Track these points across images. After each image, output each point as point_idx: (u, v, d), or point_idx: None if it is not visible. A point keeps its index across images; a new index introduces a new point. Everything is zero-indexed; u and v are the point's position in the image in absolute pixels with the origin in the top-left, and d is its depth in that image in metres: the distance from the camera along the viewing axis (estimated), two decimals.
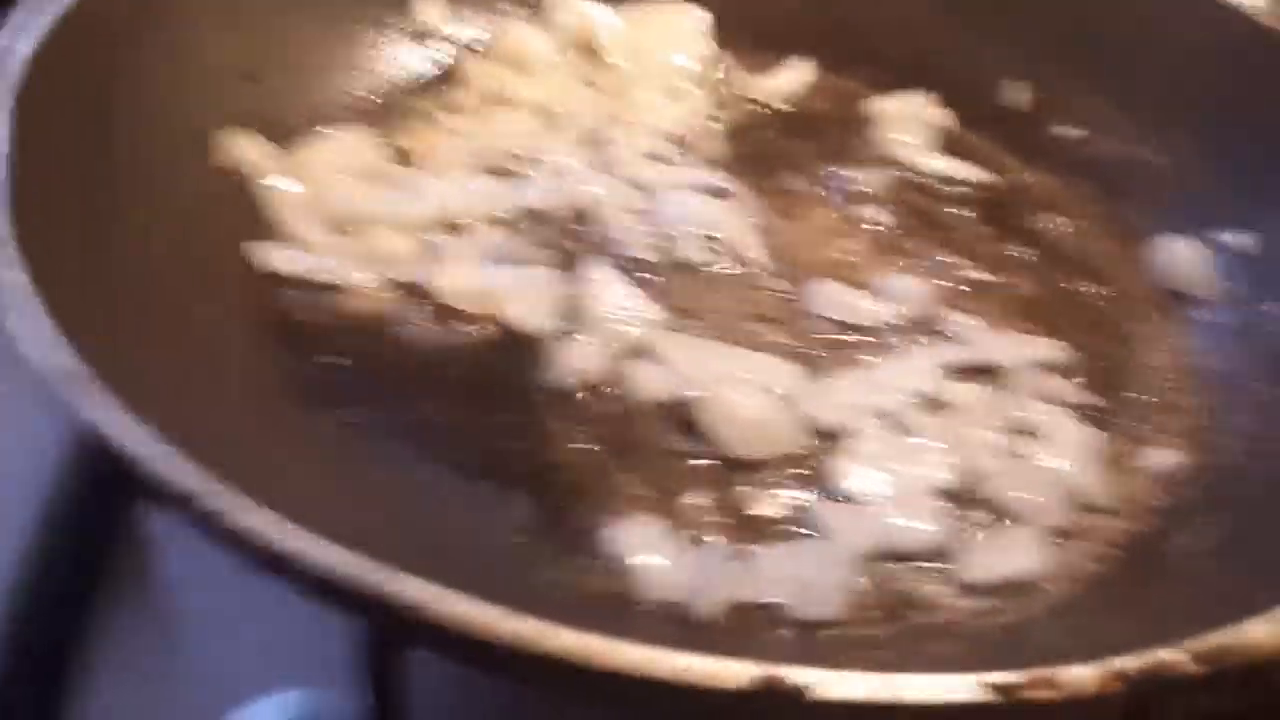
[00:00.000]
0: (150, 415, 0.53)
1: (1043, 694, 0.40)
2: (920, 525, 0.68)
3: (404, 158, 0.93)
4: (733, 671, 0.42)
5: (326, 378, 0.75)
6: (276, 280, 0.81)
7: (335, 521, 0.60)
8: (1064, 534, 0.69)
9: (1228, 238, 0.87)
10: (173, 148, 0.82)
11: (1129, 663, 0.42)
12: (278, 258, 0.82)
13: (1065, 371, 0.81)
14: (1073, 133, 0.99)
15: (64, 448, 0.77)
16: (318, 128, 0.93)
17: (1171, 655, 0.43)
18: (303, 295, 0.80)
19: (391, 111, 0.97)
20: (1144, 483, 0.73)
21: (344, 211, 0.86)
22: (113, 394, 0.53)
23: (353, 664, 0.68)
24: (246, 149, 0.87)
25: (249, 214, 0.85)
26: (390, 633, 0.53)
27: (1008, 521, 0.69)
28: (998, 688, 0.41)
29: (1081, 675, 0.41)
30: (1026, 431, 0.75)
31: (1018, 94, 1.02)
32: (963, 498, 0.71)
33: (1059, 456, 0.73)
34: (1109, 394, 0.80)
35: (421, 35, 1.02)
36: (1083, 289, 0.88)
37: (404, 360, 0.77)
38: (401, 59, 1.01)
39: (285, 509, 0.55)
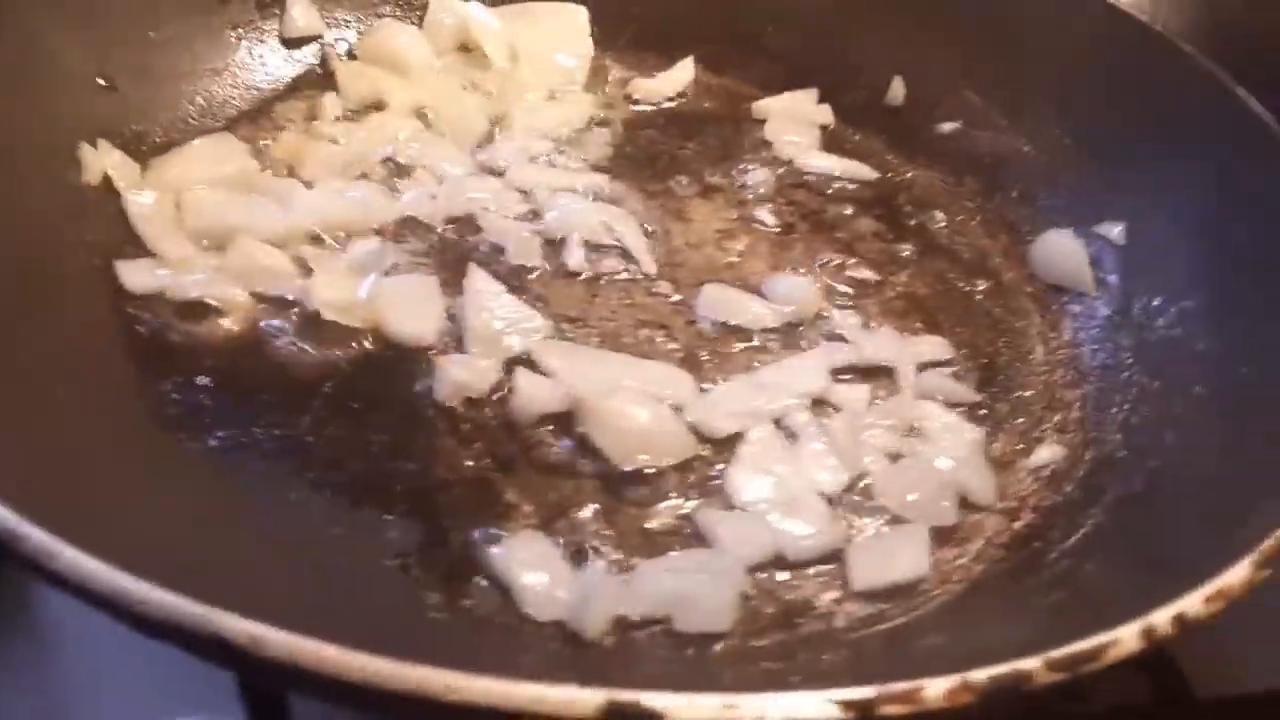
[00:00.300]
0: None
1: (895, 709, 0.40)
2: (808, 531, 0.67)
3: (274, 166, 0.89)
4: (584, 698, 0.41)
5: (195, 400, 0.71)
6: (142, 299, 0.77)
7: (197, 553, 0.58)
8: (949, 535, 0.69)
9: (1101, 229, 0.88)
10: (29, 162, 0.78)
11: (980, 675, 0.42)
12: (142, 276, 0.78)
13: (950, 369, 0.81)
14: (953, 128, 1.00)
15: None
16: (183, 137, 0.89)
17: (1027, 665, 0.43)
18: (170, 314, 0.76)
19: (260, 118, 0.94)
20: (1027, 479, 0.74)
21: (211, 225, 0.82)
22: None
23: (236, 692, 0.65)
24: (107, 161, 0.82)
25: (112, 230, 0.80)
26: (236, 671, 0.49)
27: (894, 524, 0.69)
28: (851, 704, 0.40)
29: (935, 689, 0.41)
30: (913, 431, 0.76)
31: (896, 91, 1.03)
32: (850, 501, 0.71)
33: (944, 455, 0.74)
34: (992, 390, 0.81)
35: (290, 38, 0.98)
36: (964, 285, 0.89)
37: (277, 378, 0.74)
38: (270, 62, 0.97)
39: (139, 542, 0.52)
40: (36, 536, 0.43)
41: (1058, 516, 0.69)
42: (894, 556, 0.66)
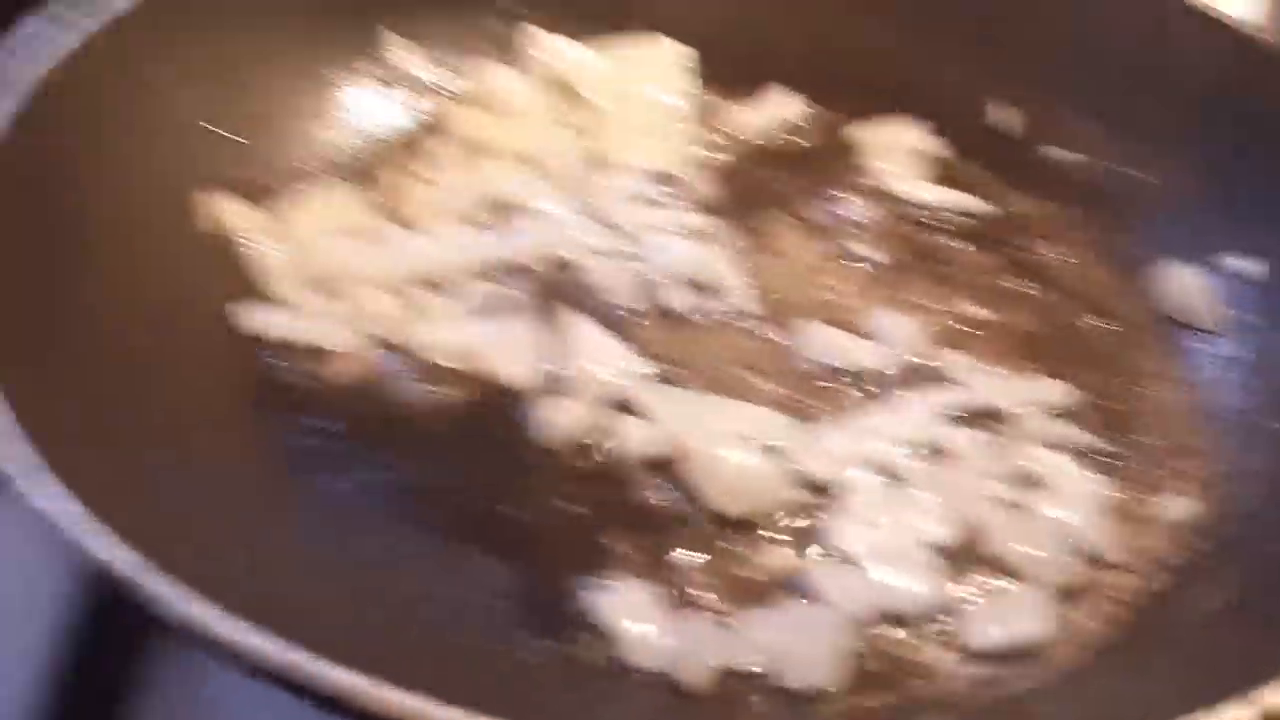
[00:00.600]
0: (115, 499, 0.52)
1: None
2: (917, 586, 0.65)
3: (385, 213, 0.91)
4: None
5: (309, 443, 0.73)
6: (260, 344, 0.79)
7: (309, 597, 0.59)
8: (1070, 593, 0.66)
9: (1233, 263, 0.83)
10: (149, 213, 0.80)
11: None
12: (261, 320, 0.80)
13: (1069, 414, 0.78)
14: (1066, 156, 0.96)
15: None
16: (296, 185, 0.91)
17: None
18: (287, 359, 0.78)
19: (370, 165, 0.95)
20: (1155, 534, 0.70)
21: (326, 271, 0.84)
22: (64, 485, 0.51)
23: None
24: (225, 210, 0.85)
25: (231, 277, 0.83)
26: None
27: (1011, 580, 0.66)
28: None
29: None
30: (1029, 480, 0.72)
31: (1008, 118, 0.99)
32: (963, 554, 0.68)
33: (1064, 507, 0.70)
34: (1116, 437, 0.76)
35: (395, 83, 1.01)
36: (1084, 323, 0.85)
37: (388, 422, 0.75)
38: (377, 109, 0.99)
39: (258, 587, 0.54)
40: (153, 584, 0.44)
41: (1191, 576, 0.66)
42: (1010, 614, 0.63)
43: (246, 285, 0.82)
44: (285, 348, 0.78)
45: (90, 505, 0.49)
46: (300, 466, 0.71)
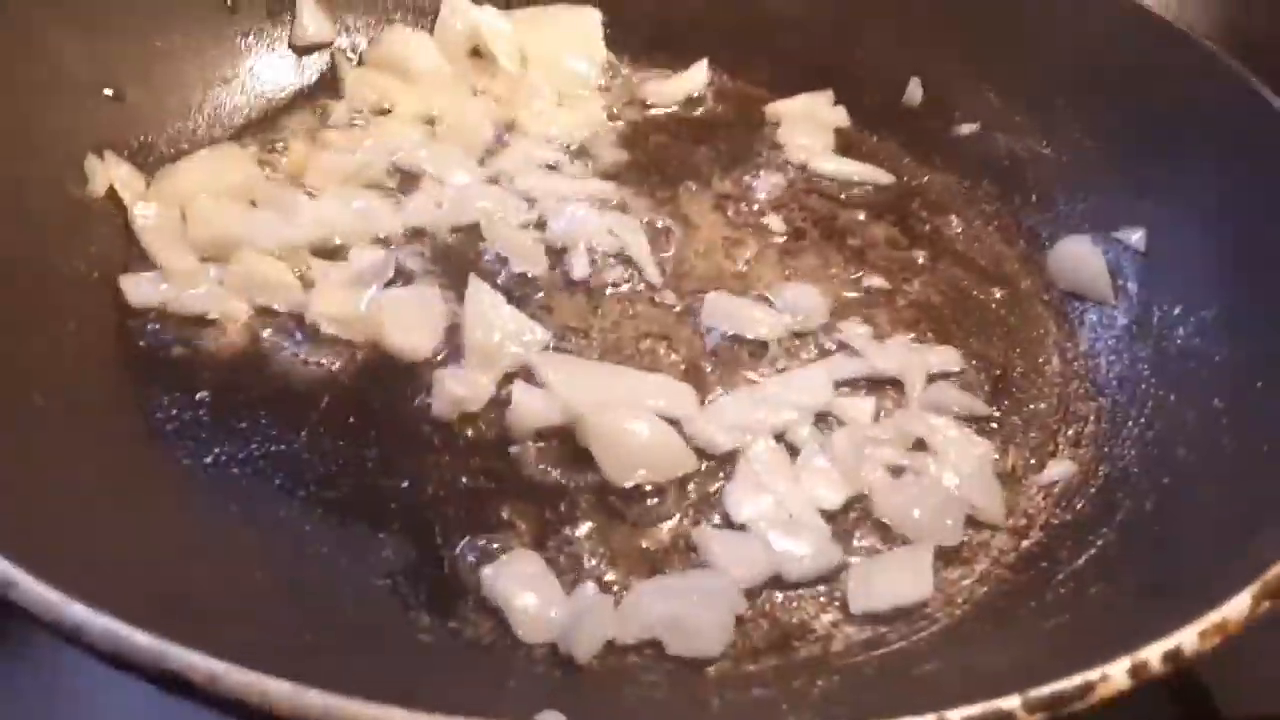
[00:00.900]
0: None
1: None
2: (807, 551, 0.66)
3: (281, 176, 0.89)
4: None
5: (192, 415, 0.71)
6: (144, 313, 0.77)
7: (182, 573, 0.58)
8: (954, 554, 0.67)
9: (1121, 235, 0.86)
10: (34, 173, 0.78)
11: (956, 715, 0.40)
12: (145, 289, 0.78)
13: (960, 381, 0.79)
14: (968, 130, 0.98)
15: None
16: (190, 147, 0.89)
17: (1006, 705, 0.41)
18: (172, 327, 0.76)
19: (268, 127, 0.94)
20: (1037, 496, 0.72)
21: (214, 236, 0.82)
22: None
23: None
24: (113, 173, 0.82)
25: (117, 242, 0.81)
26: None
27: (897, 544, 0.67)
28: None
29: None
30: (920, 446, 0.74)
31: (912, 93, 1.01)
32: (852, 519, 0.69)
33: (952, 471, 0.72)
34: (1004, 403, 0.78)
35: (301, 45, 0.98)
36: (979, 293, 0.87)
37: (275, 393, 0.74)
38: (279, 70, 0.97)
39: (118, 563, 0.53)
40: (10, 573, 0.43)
41: (1066, 536, 0.67)
42: (895, 578, 0.65)
43: (131, 251, 0.80)
44: (169, 317, 0.77)
45: None
46: (180, 440, 0.69)
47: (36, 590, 0.42)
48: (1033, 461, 0.74)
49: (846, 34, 1.03)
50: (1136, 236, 0.84)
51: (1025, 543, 0.68)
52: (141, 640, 0.41)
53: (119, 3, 0.88)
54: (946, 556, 0.67)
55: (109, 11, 0.87)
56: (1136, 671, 0.43)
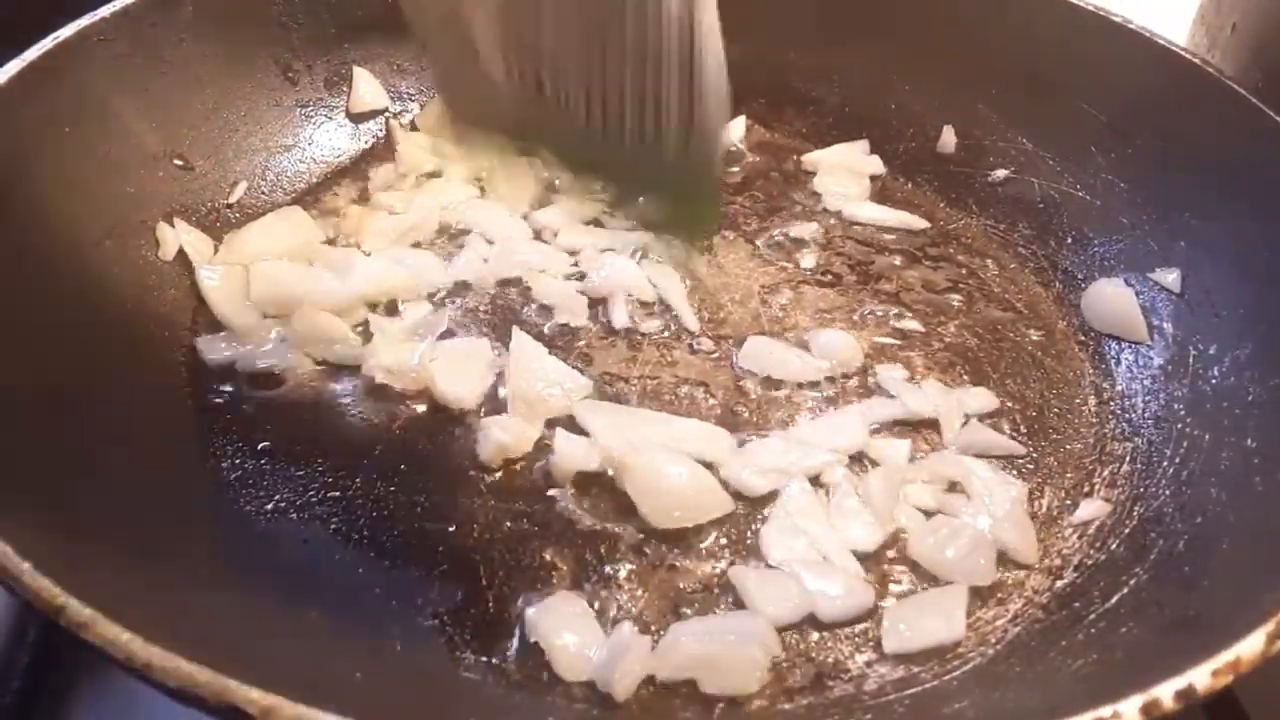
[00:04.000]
0: (46, 531, 0.54)
1: None
2: (840, 592, 0.67)
3: (338, 237, 0.94)
4: None
5: (256, 465, 0.75)
6: (213, 369, 0.81)
7: (239, 617, 0.61)
8: (988, 594, 0.68)
9: (1156, 276, 0.86)
10: (111, 240, 0.83)
11: None
12: (217, 348, 0.82)
13: (996, 421, 0.80)
14: (1000, 174, 1.00)
15: None
16: (255, 212, 0.94)
17: None
18: (239, 382, 0.81)
19: (327, 191, 0.99)
20: (1071, 536, 0.72)
21: (276, 295, 0.86)
22: None
23: None
24: (183, 238, 0.88)
25: (188, 304, 0.86)
26: None
27: (931, 584, 0.69)
28: None
29: None
30: (954, 488, 0.75)
31: (946, 138, 1.03)
32: (886, 559, 0.70)
33: (985, 513, 0.73)
34: (1041, 443, 0.79)
35: (357, 113, 1.04)
36: (1014, 335, 0.88)
37: (334, 442, 0.77)
38: (337, 137, 1.02)
39: (184, 608, 0.56)
40: (74, 608, 0.47)
41: (1100, 575, 0.68)
42: (929, 619, 0.66)
43: (199, 311, 0.85)
44: (237, 373, 0.81)
45: (16, 537, 0.51)
46: (242, 489, 0.73)
47: (108, 629, 0.46)
48: (1068, 502, 0.75)
49: (881, 84, 1.05)
50: (1172, 277, 0.85)
51: (1059, 583, 0.69)
52: (203, 676, 0.45)
53: (187, 79, 0.94)
54: (981, 595, 0.68)
55: (178, 88, 0.93)
56: (1148, 709, 0.44)
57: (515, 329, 0.83)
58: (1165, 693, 0.45)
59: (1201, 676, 0.45)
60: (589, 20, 0.61)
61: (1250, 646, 0.46)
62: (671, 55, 0.60)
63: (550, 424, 0.78)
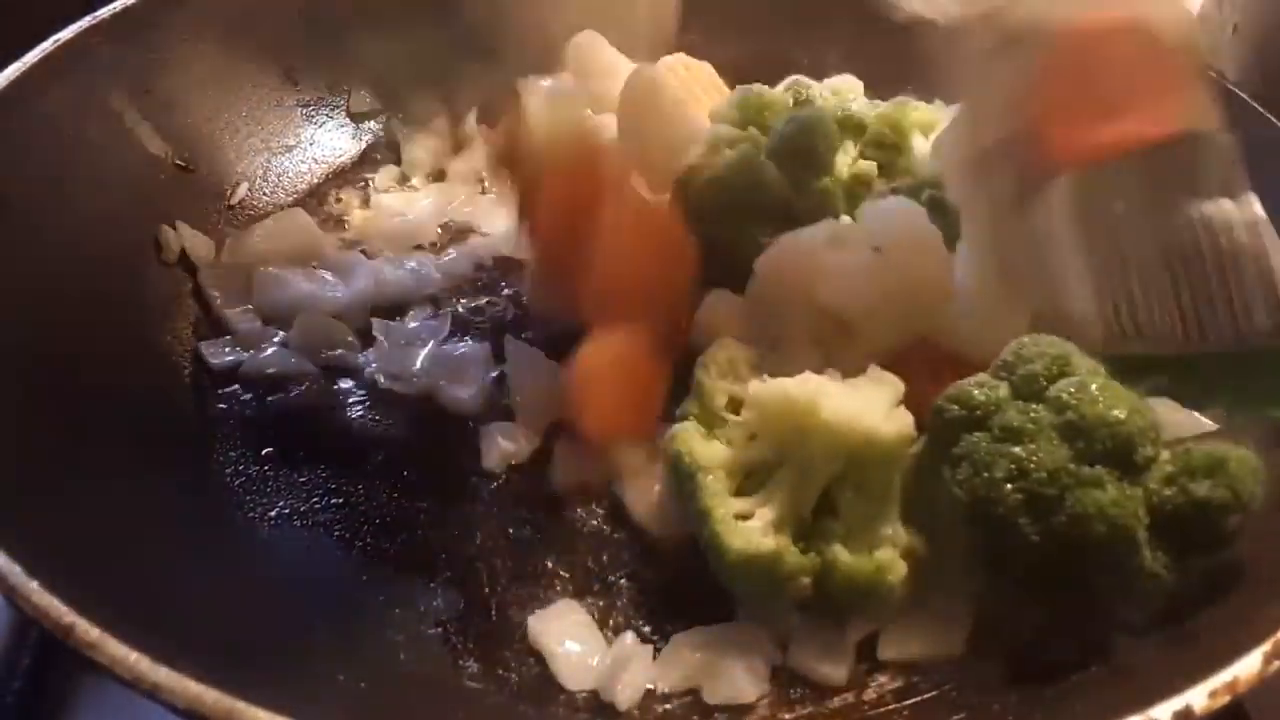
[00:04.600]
0: (50, 544, 0.55)
1: None
2: None
3: (338, 238, 0.94)
4: None
5: (258, 471, 0.75)
6: (218, 374, 0.82)
7: (245, 622, 0.61)
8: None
9: None
10: (111, 245, 0.83)
11: None
12: (221, 353, 0.83)
13: None
14: None
15: None
16: (257, 213, 0.94)
17: None
18: (242, 386, 0.81)
19: (326, 191, 0.99)
20: None
21: (278, 299, 0.87)
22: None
23: None
24: (186, 242, 0.88)
25: (191, 306, 0.86)
26: None
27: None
28: None
29: None
30: None
31: None
32: None
33: None
34: None
35: (358, 113, 1.04)
36: None
37: (335, 448, 0.78)
38: (338, 138, 1.02)
39: (182, 615, 0.57)
40: (82, 627, 0.47)
41: None
42: (929, 629, 0.65)
43: (202, 315, 0.86)
44: (240, 377, 0.81)
45: (21, 552, 0.51)
46: (245, 495, 0.74)
47: (116, 650, 0.46)
48: None
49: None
50: None
51: None
52: (210, 697, 0.45)
53: (188, 80, 0.94)
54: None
55: (179, 89, 0.93)
56: None
57: (508, 336, 0.83)
58: (1163, 713, 0.45)
59: (1199, 697, 0.46)
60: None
61: (1248, 667, 0.47)
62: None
63: (553, 430, 0.78)
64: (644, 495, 0.73)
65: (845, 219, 0.81)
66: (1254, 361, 0.67)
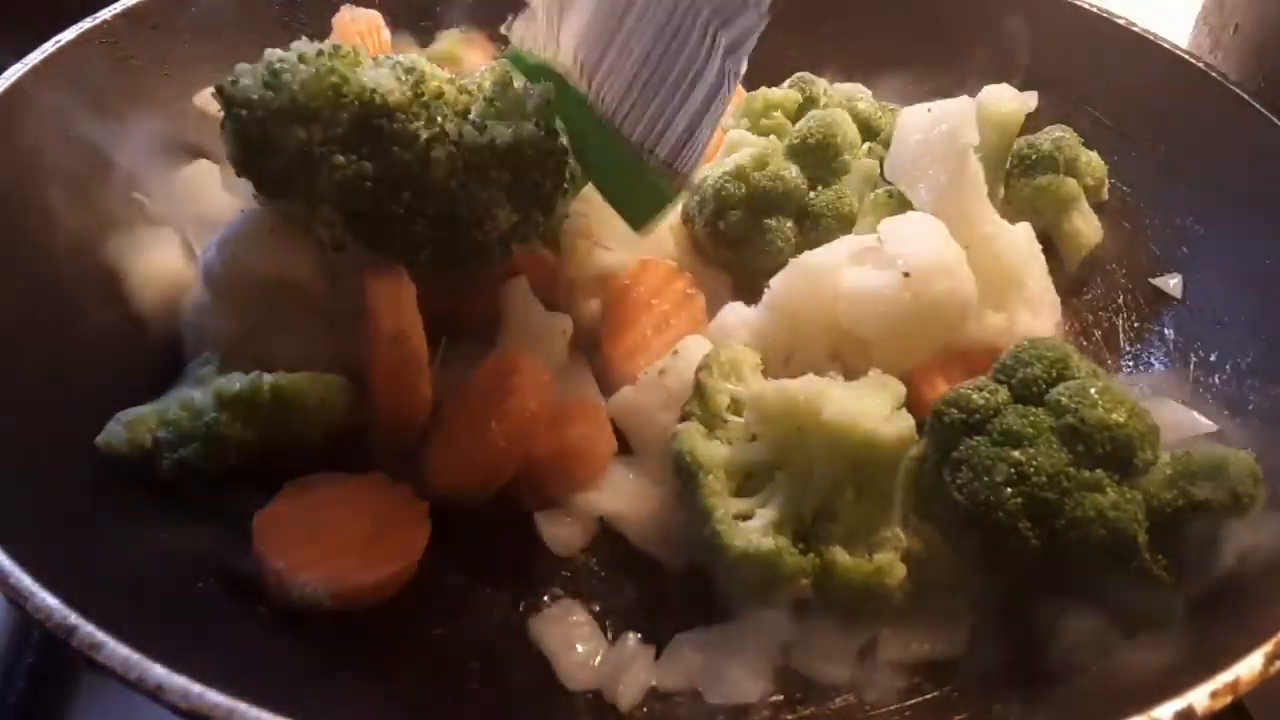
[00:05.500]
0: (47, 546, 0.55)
1: None
2: None
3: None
4: None
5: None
6: None
7: (244, 631, 0.61)
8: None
9: (1158, 282, 0.87)
10: (109, 243, 0.83)
11: None
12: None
13: None
14: None
15: None
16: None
17: None
18: None
19: None
20: None
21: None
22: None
23: None
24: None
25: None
26: None
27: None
28: None
29: None
30: None
31: None
32: None
33: None
34: None
35: None
36: None
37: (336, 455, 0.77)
38: None
39: (189, 624, 0.57)
40: (85, 630, 0.47)
41: None
42: (930, 630, 0.65)
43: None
44: None
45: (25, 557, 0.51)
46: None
47: (119, 651, 0.46)
48: None
49: (878, 84, 1.04)
50: (1174, 283, 0.85)
51: None
52: (214, 698, 0.45)
53: (188, 81, 0.93)
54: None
55: (180, 89, 0.93)
56: None
57: None
58: (1165, 713, 0.45)
59: (1201, 697, 0.46)
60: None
61: (1249, 667, 0.47)
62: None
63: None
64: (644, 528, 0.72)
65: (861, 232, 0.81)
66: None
